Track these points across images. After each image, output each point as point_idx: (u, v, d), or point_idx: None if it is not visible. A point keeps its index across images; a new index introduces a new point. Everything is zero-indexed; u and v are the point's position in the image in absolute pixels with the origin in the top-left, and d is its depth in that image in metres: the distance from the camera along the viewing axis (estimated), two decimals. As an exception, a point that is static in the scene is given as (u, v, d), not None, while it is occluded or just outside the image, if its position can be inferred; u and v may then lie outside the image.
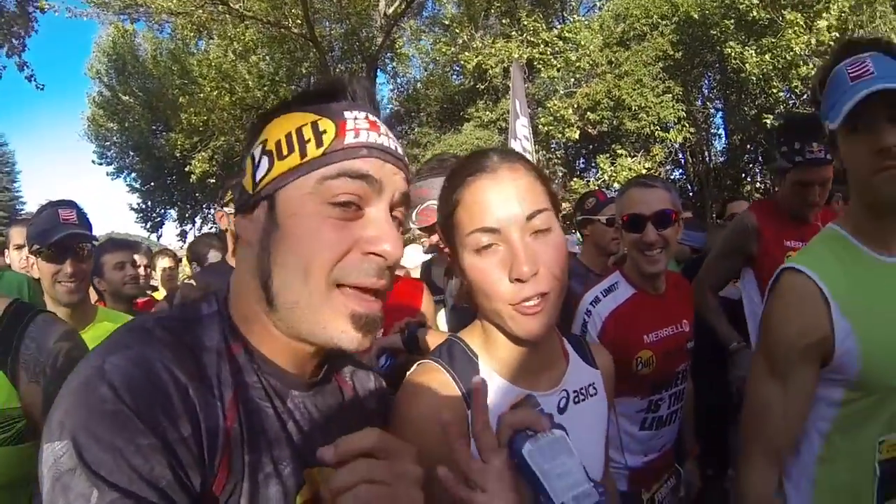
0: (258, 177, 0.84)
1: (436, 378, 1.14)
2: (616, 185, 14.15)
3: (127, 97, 22.25)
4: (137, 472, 0.66)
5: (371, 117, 0.87)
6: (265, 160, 0.84)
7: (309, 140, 0.82)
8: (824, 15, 12.12)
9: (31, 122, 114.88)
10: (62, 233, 2.13)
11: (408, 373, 1.21)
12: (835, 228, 1.44)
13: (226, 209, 2.50)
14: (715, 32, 15.10)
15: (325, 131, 0.83)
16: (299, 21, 15.70)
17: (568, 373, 1.24)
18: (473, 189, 1.09)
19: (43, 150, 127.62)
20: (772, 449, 1.40)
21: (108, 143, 24.06)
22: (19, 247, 3.18)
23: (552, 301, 1.07)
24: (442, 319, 2.57)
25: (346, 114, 0.85)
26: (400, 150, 0.89)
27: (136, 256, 3.52)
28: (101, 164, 24.29)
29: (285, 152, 0.83)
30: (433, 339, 1.83)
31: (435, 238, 2.16)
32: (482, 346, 1.20)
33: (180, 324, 0.83)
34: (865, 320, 1.30)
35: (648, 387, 2.16)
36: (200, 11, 15.47)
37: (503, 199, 1.06)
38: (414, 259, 4.59)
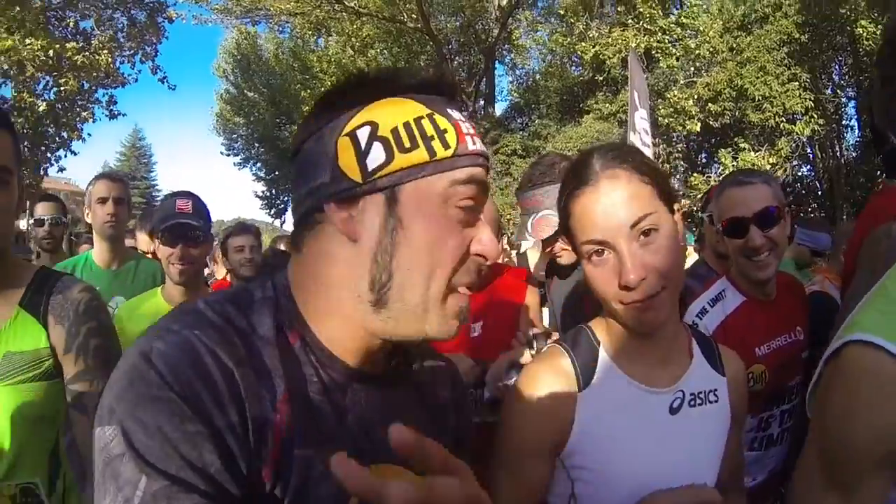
0: (370, 165, 0.78)
1: (556, 363, 1.20)
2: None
3: (252, 93, 23.78)
4: (185, 459, 0.67)
5: (467, 119, 0.85)
6: (378, 148, 0.78)
7: (433, 137, 0.79)
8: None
9: (165, 118, 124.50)
10: (172, 220, 2.39)
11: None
12: None
13: None
14: (845, 10, 14.04)
15: (445, 131, 0.80)
16: (414, 15, 16.08)
17: (688, 374, 1.22)
18: (579, 203, 1.13)
19: (176, 143, 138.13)
20: None
21: (234, 136, 25.86)
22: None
23: (663, 298, 1.09)
24: (546, 314, 2.56)
25: (455, 115, 0.82)
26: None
27: (253, 242, 3.96)
28: (228, 155, 26.25)
29: (407, 144, 0.78)
30: None
31: (555, 248, 2.12)
32: (605, 335, 1.23)
33: (232, 306, 0.80)
34: None
35: (759, 404, 1.95)
36: (318, 11, 16.23)
37: (606, 211, 1.09)
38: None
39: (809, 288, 2.57)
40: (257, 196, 26.81)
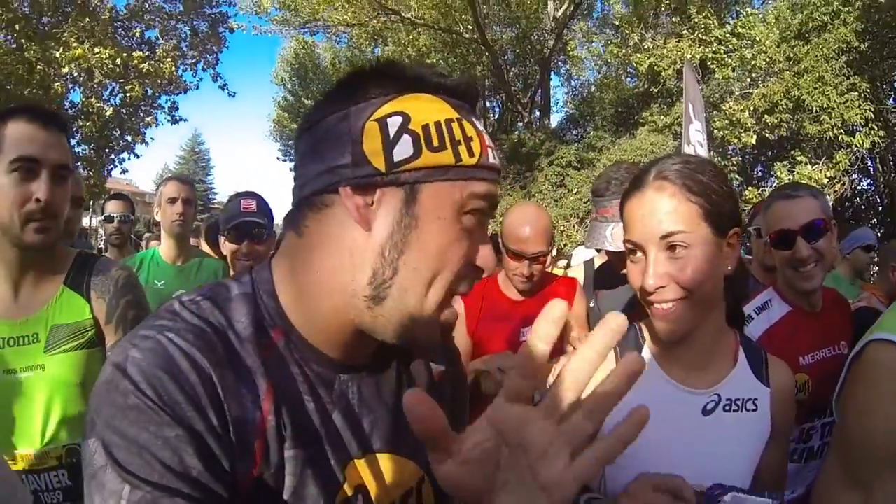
0: (396, 157, 0.75)
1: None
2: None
3: (309, 101, 24.34)
4: (166, 465, 0.66)
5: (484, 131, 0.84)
6: (408, 140, 0.75)
7: (460, 142, 0.77)
8: None
9: (224, 124, 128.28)
10: (238, 219, 2.58)
11: None
12: None
13: None
14: (905, 18, 13.55)
15: (471, 139, 0.78)
16: (470, 26, 16.32)
17: (728, 379, 1.26)
18: (628, 205, 1.24)
19: (233, 149, 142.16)
20: None
21: (291, 143, 26.32)
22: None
23: (685, 308, 1.16)
24: None
25: (477, 123, 0.81)
26: None
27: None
28: (284, 160, 27.41)
29: (436, 143, 0.75)
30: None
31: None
32: (650, 333, 1.32)
33: (208, 303, 0.79)
34: None
35: (802, 414, 1.90)
36: (374, 21, 16.61)
37: (643, 217, 1.19)
38: (579, 257, 4.68)
39: (855, 305, 2.58)
40: (311, 201, 27.41)
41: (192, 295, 0.80)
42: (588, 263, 3.19)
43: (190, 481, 0.67)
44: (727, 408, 1.24)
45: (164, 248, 3.33)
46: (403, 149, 0.75)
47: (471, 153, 0.77)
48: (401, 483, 0.87)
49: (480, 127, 0.81)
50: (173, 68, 14.01)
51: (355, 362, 0.85)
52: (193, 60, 15.19)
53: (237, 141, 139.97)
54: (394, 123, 0.75)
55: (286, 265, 0.84)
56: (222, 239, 2.66)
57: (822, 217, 1.94)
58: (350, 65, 21.75)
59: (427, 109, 0.77)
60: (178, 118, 15.25)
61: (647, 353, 1.29)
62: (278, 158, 27.20)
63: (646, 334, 1.33)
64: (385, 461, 0.86)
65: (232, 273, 2.69)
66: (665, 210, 1.16)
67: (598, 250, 2.81)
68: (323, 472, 0.79)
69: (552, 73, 20.28)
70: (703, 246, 1.15)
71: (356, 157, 0.75)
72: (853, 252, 4.31)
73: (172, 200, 3.25)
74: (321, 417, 0.80)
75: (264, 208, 2.68)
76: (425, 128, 0.75)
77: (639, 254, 1.21)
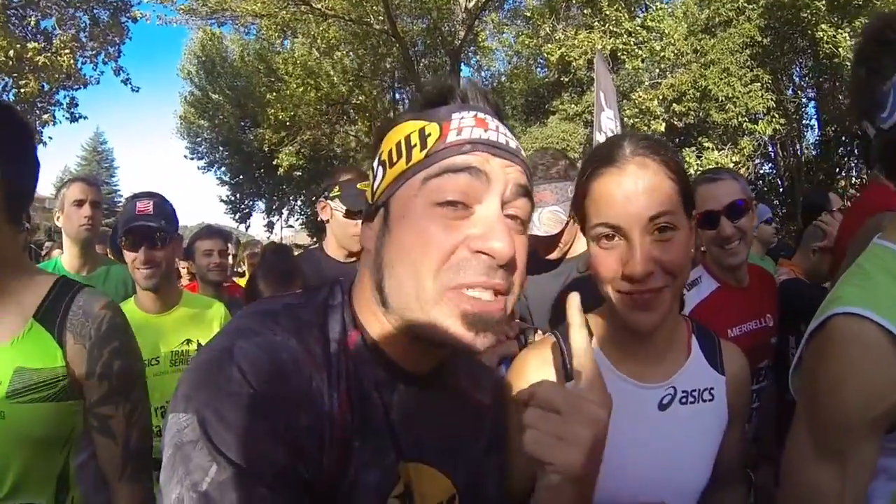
0: (375, 186, 0.87)
1: (545, 353, 1.21)
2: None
3: (216, 96, 23.42)
4: (256, 454, 0.69)
5: (481, 115, 0.84)
6: (380, 171, 0.86)
7: (415, 145, 0.82)
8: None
9: (128, 120, 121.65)
10: (133, 223, 2.31)
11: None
12: (889, 247, 1.11)
13: (330, 202, 2.54)
14: (806, 15, 14.40)
15: (429, 135, 0.82)
16: (381, 17, 15.98)
17: (683, 370, 1.21)
18: (600, 182, 1.10)
19: (138, 147, 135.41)
20: None
21: (199, 139, 25.42)
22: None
23: (665, 296, 1.08)
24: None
25: (454, 115, 0.83)
26: (513, 145, 0.85)
27: (222, 246, 3.78)
28: (192, 158, 25.75)
29: (395, 160, 0.83)
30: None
31: (556, 252, 2.19)
32: (598, 327, 1.22)
33: (307, 311, 0.86)
34: None
35: None
36: (284, 12, 16.01)
37: (627, 197, 1.06)
38: None
39: (780, 278, 2.75)
40: (222, 200, 26.27)
41: (295, 301, 0.88)
42: None
43: (274, 473, 0.70)
44: (683, 400, 1.19)
45: (67, 258, 3.02)
46: (378, 179, 0.87)
47: (423, 148, 0.81)
48: (438, 495, 0.92)
49: (455, 116, 0.83)
50: (72, 61, 13.06)
51: (414, 371, 0.89)
52: (94, 52, 14.20)
53: (142, 139, 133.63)
54: (376, 163, 0.88)
55: (357, 281, 0.93)
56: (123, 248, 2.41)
57: (743, 197, 2.11)
58: (259, 58, 21.01)
59: (392, 137, 0.86)
60: (77, 115, 14.23)
61: (595, 349, 1.19)
62: (185, 156, 25.78)
63: (592, 328, 1.21)
64: (427, 471, 0.91)
65: (136, 285, 2.43)
66: (652, 188, 1.06)
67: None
68: (382, 464, 0.84)
69: (462, 63, 20.20)
70: (684, 228, 1.09)
71: (366, 200, 0.92)
72: (759, 227, 4.48)
73: (79, 203, 2.93)
74: (383, 416, 0.85)
75: (163, 209, 2.40)
76: (389, 153, 0.85)
77: (616, 239, 1.08)
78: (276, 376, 0.74)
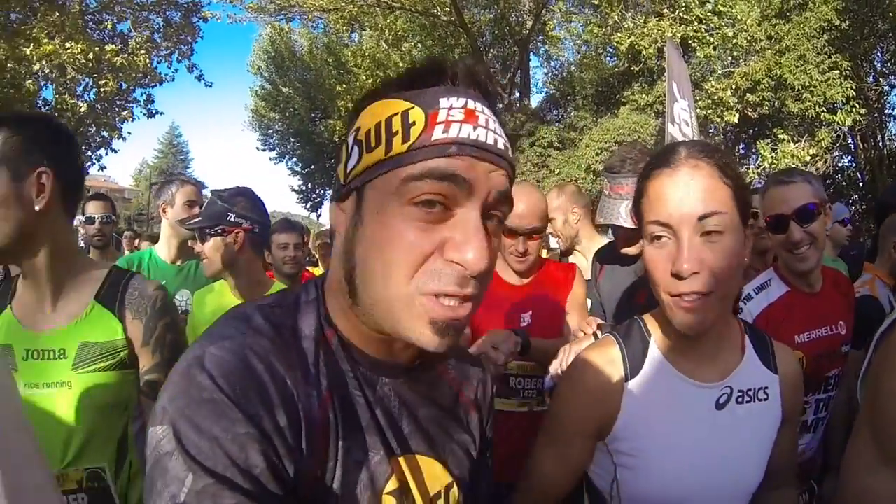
0: (349, 166, 0.81)
1: (607, 351, 1.26)
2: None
3: (287, 89, 24.16)
4: (232, 460, 0.68)
5: (471, 105, 0.78)
6: (356, 150, 0.80)
7: (396, 133, 0.76)
8: None
9: (202, 115, 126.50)
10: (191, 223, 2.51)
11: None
12: None
13: None
14: (887, -5, 13.67)
15: (413, 123, 0.76)
16: (448, 9, 16.12)
17: (738, 370, 1.24)
18: (655, 182, 1.15)
19: (212, 140, 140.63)
20: None
21: (270, 132, 26.33)
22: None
23: (713, 301, 1.09)
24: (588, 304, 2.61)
25: (442, 101, 0.77)
26: (501, 144, 0.80)
27: (297, 239, 3.94)
28: (264, 150, 26.81)
29: (373, 144, 0.77)
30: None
31: (637, 247, 2.18)
32: (657, 327, 1.26)
33: (280, 311, 0.84)
34: None
35: None
36: (351, 6, 16.35)
37: (678, 197, 1.10)
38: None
39: (858, 290, 2.62)
40: (293, 190, 27.29)
41: (265, 301, 0.86)
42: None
43: (251, 478, 0.69)
44: (740, 399, 1.22)
45: (165, 248, 3.32)
46: (353, 158, 0.80)
47: (405, 139, 0.75)
48: (434, 485, 0.92)
49: (443, 103, 0.77)
50: (147, 60, 13.73)
51: (395, 364, 0.89)
52: (168, 52, 14.84)
53: (215, 132, 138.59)
54: (351, 139, 0.82)
55: (329, 273, 0.90)
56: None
57: (815, 201, 2.04)
58: (327, 51, 21.53)
59: (373, 114, 0.79)
60: (154, 111, 14.94)
61: (653, 348, 1.25)
62: (257, 148, 26.80)
63: (651, 328, 1.27)
64: (422, 462, 0.91)
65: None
66: (702, 189, 1.09)
67: (608, 227, 2.89)
68: (373, 461, 0.83)
69: (531, 53, 20.19)
70: (735, 232, 1.10)
71: (337, 174, 0.85)
72: (832, 228, 4.31)
73: (191, 204, 3.25)
74: (369, 414, 0.84)
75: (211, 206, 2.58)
76: (368, 133, 0.78)
77: (664, 238, 1.12)
78: (248, 379, 0.73)
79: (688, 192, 1.10)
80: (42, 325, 1.52)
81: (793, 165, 13.61)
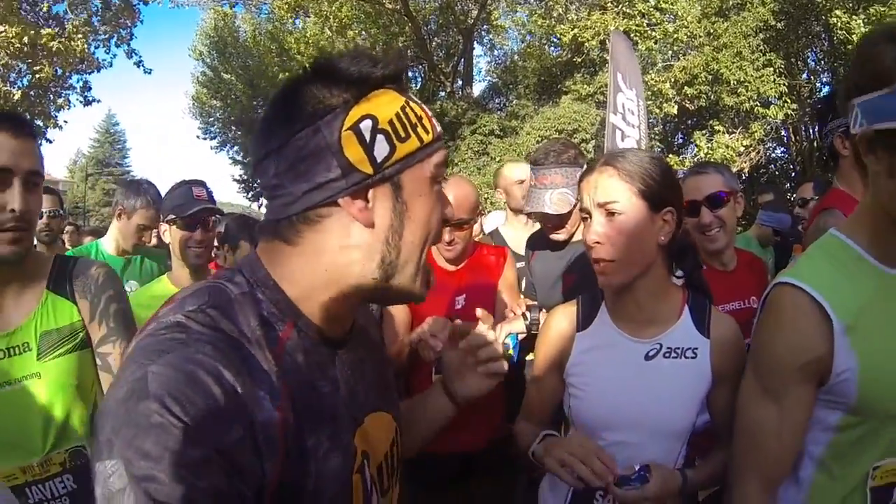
0: (378, 158, 0.82)
1: (568, 309, 1.65)
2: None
3: (228, 76, 23.39)
4: (189, 485, 0.65)
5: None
6: (382, 140, 0.82)
7: (416, 124, 0.86)
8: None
9: (140, 102, 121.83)
10: (196, 207, 2.57)
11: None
12: (840, 238, 1.28)
13: None
14: (820, 0, 14.27)
15: (421, 117, 0.87)
16: (394, -3, 15.97)
17: (671, 331, 1.52)
18: (582, 183, 1.55)
19: (150, 128, 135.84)
20: (767, 476, 1.29)
21: (211, 119, 25.48)
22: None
23: (616, 266, 1.45)
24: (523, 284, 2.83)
25: (416, 99, 0.90)
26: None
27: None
28: (205, 138, 25.88)
29: (402, 134, 0.84)
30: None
31: (564, 232, 2.44)
32: (608, 294, 1.60)
33: (214, 311, 0.79)
34: (870, 341, 1.18)
35: None
36: (297, -8, 16.02)
37: (589, 190, 1.49)
38: (491, 222, 4.84)
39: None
40: (234, 180, 26.46)
41: (194, 303, 0.80)
42: (494, 232, 3.70)
43: (213, 500, 0.67)
44: (667, 355, 1.50)
45: (112, 243, 3.41)
46: (381, 149, 0.82)
47: (426, 131, 0.87)
48: (388, 435, 1.02)
49: (416, 100, 0.90)
50: (84, 45, 13.16)
51: (343, 335, 0.94)
52: (106, 36, 14.37)
53: (154, 120, 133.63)
54: (366, 128, 0.82)
55: (283, 267, 0.87)
56: (165, 226, 2.66)
57: (725, 190, 2.30)
58: (270, 37, 21.02)
59: (386, 105, 0.84)
60: (91, 99, 14.46)
61: (603, 308, 1.60)
62: (198, 136, 25.94)
63: (606, 293, 1.60)
64: (377, 419, 0.98)
65: (181, 260, 2.67)
66: (605, 185, 1.46)
67: (528, 215, 3.20)
68: (341, 447, 0.85)
69: (475, 42, 20.19)
70: (635, 216, 1.44)
71: (344, 168, 0.81)
72: (763, 227, 4.48)
73: (144, 229, 3.35)
74: (332, 397, 0.87)
75: (212, 196, 2.73)
76: (391, 123, 0.83)
77: (587, 219, 1.50)
78: (197, 396, 0.68)
79: (595, 187, 1.48)
80: (3, 325, 1.55)
81: (727, 156, 14.11)
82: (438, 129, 0.91)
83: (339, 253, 0.85)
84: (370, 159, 0.82)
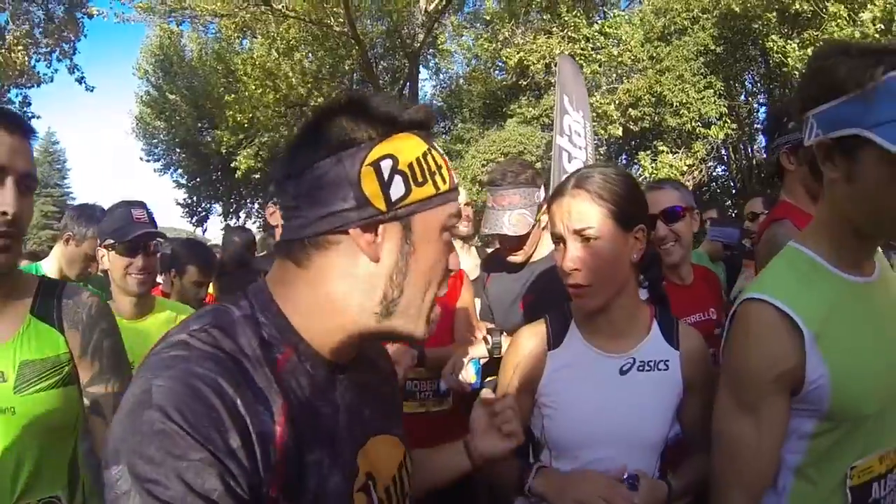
0: (393, 197, 0.85)
1: (537, 327, 1.62)
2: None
3: (173, 96, 22.77)
4: (189, 487, 0.69)
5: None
6: (399, 180, 0.85)
7: (435, 172, 0.89)
8: (869, 7, 11.69)
9: (81, 120, 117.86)
10: (137, 231, 2.35)
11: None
12: (800, 249, 1.32)
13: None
14: (757, 26, 14.87)
15: (441, 167, 0.90)
16: (341, 19, 15.89)
17: (642, 345, 1.53)
18: (553, 204, 1.52)
19: (92, 148, 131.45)
20: (750, 489, 1.30)
21: (155, 141, 24.76)
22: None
23: (593, 290, 1.45)
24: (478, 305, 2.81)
25: (437, 148, 0.92)
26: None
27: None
28: (148, 160, 25.07)
29: (419, 178, 0.87)
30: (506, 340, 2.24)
31: (521, 254, 2.41)
32: (575, 310, 1.59)
33: (217, 331, 0.83)
34: (838, 347, 1.21)
35: None
36: (243, 12, 15.77)
37: (561, 215, 1.47)
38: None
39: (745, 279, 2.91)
40: (178, 204, 25.66)
41: (198, 324, 0.84)
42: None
43: (214, 501, 0.70)
44: (641, 368, 1.51)
45: (55, 266, 3.10)
46: (397, 189, 0.85)
47: (444, 180, 0.90)
48: (395, 459, 1.03)
49: (440, 150, 0.93)
50: (25, 58, 12.70)
51: (346, 361, 0.95)
52: (48, 49, 13.79)
53: (96, 140, 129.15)
54: (386, 167, 0.85)
55: (289, 289, 0.90)
56: (102, 251, 2.42)
57: (681, 205, 2.33)
58: (217, 58, 20.65)
59: (408, 149, 0.87)
60: (30, 115, 13.76)
61: (573, 326, 1.58)
62: (141, 158, 25.05)
63: (574, 311, 1.60)
64: (381, 441, 0.99)
65: (121, 288, 2.44)
66: (578, 210, 1.45)
67: (487, 237, 3.17)
68: (341, 466, 0.87)
69: (421, 66, 20.22)
70: (610, 238, 1.44)
71: (359, 200, 0.84)
72: (713, 242, 4.65)
73: (90, 259, 3.11)
74: (332, 418, 0.89)
75: (153, 218, 2.50)
76: (410, 166, 0.86)
77: (560, 245, 1.49)
78: (198, 405, 0.73)
79: (568, 212, 1.46)
80: None
81: (671, 175, 14.48)
82: (456, 181, 0.94)
83: (342, 280, 0.88)
84: (385, 196, 0.85)
